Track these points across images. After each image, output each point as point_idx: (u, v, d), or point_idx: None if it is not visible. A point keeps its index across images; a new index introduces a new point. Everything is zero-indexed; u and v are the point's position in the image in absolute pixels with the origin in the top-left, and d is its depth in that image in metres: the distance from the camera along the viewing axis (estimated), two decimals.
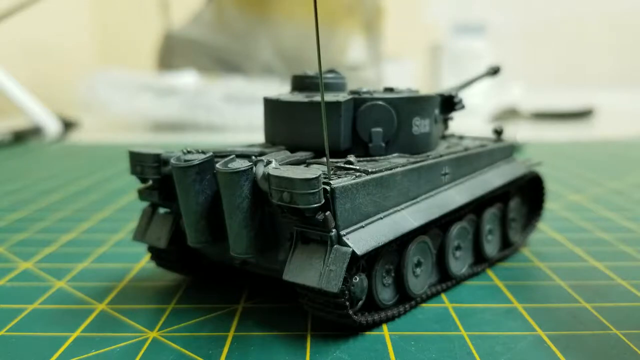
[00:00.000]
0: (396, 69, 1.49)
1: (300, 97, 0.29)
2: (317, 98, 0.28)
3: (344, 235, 0.23)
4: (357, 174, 0.25)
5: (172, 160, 0.25)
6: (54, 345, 0.24)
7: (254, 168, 0.24)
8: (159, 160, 0.27)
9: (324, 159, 0.24)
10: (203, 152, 0.26)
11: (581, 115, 1.24)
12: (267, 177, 0.23)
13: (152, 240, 0.29)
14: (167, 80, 1.10)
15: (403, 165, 0.27)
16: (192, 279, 0.31)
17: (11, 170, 0.67)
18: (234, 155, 0.25)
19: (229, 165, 0.24)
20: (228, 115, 1.08)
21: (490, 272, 0.32)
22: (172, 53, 1.21)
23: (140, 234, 0.29)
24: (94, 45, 1.80)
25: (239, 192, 0.24)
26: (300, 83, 0.31)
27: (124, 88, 1.06)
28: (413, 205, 0.27)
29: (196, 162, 0.25)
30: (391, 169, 0.26)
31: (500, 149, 0.35)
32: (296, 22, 1.22)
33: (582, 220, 0.43)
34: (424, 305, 0.28)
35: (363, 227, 0.24)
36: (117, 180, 0.60)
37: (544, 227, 0.40)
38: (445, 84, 1.45)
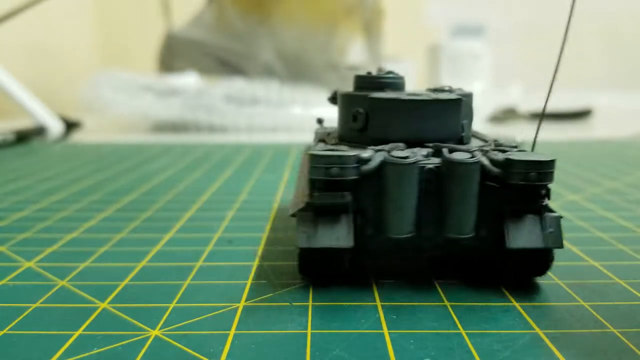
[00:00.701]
0: (395, 69, 1.49)
1: (408, 96, 0.31)
2: (434, 96, 0.31)
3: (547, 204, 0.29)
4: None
5: (392, 158, 0.28)
6: (57, 344, 0.24)
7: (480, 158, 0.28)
8: (359, 161, 0.28)
9: (457, 146, 0.29)
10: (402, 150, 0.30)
11: (580, 115, 1.24)
12: (507, 162, 0.28)
13: (331, 241, 0.28)
14: (169, 80, 1.11)
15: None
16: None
17: (13, 170, 0.67)
18: (446, 147, 0.29)
19: (458, 157, 0.28)
20: (229, 116, 1.08)
21: None
22: (173, 54, 1.21)
23: (307, 240, 0.28)
24: (96, 48, 1.81)
25: (473, 179, 0.28)
26: (364, 82, 0.33)
27: (125, 89, 1.06)
28: None
29: (417, 159, 0.28)
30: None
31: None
32: (296, 23, 1.22)
33: (580, 219, 0.43)
34: (422, 303, 0.28)
35: None
36: (119, 180, 0.60)
37: None
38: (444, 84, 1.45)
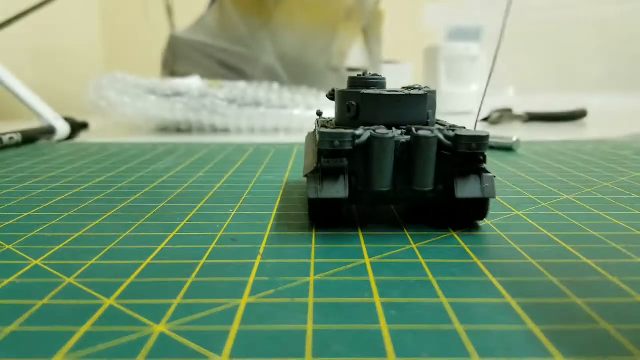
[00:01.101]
0: (395, 70, 1.50)
1: (389, 92, 0.42)
2: (407, 92, 0.41)
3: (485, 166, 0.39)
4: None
5: (377, 134, 0.37)
6: (63, 339, 0.25)
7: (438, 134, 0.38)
8: (354, 136, 0.37)
9: (422, 127, 0.39)
10: (387, 130, 0.39)
11: (575, 116, 1.25)
12: (456, 137, 0.38)
13: (332, 194, 0.38)
14: (172, 83, 1.12)
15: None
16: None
17: (20, 169, 0.68)
18: (415, 128, 0.39)
19: (423, 133, 0.37)
20: (231, 118, 1.09)
21: (484, 269, 0.33)
22: (176, 57, 1.22)
23: (315, 193, 0.38)
24: (101, 51, 1.82)
25: (433, 149, 0.37)
26: (356, 82, 0.43)
27: (129, 91, 1.07)
28: None
29: (394, 134, 0.38)
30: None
31: None
32: (297, 27, 1.23)
33: (574, 218, 0.44)
34: (420, 299, 0.29)
35: None
36: (124, 179, 0.61)
37: (537, 225, 0.41)
38: (442, 86, 1.46)
